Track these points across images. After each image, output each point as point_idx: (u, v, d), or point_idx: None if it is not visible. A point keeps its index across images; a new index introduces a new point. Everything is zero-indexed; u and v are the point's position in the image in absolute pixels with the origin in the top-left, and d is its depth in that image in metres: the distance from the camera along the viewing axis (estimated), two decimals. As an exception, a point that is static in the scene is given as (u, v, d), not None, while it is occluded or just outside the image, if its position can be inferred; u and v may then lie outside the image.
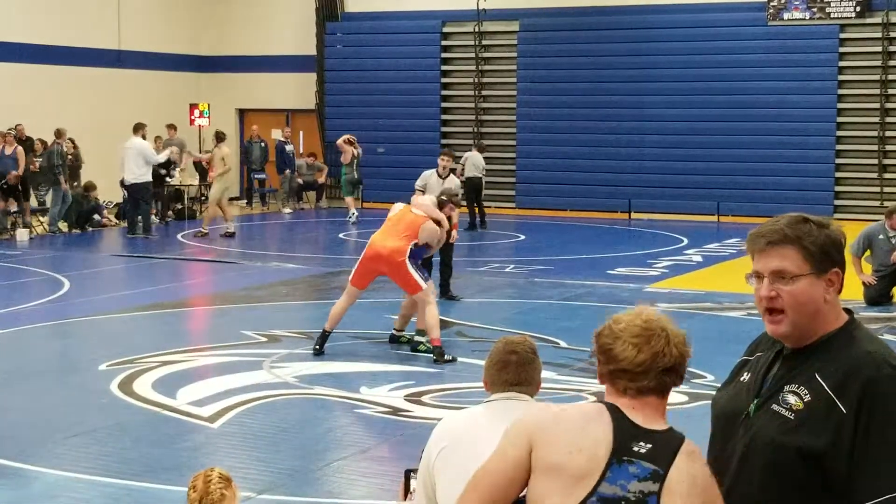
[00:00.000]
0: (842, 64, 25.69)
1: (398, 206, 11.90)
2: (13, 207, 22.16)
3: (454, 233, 14.09)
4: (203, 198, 25.89)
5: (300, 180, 28.59)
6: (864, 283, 14.48)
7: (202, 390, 10.01)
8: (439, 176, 15.22)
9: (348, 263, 17.97)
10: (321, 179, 28.73)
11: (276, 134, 28.89)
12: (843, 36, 25.65)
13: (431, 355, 11.23)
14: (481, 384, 4.47)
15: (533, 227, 24.63)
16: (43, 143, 23.38)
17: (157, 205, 24.88)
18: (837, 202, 25.55)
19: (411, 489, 4.40)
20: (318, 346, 11.32)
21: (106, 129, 26.52)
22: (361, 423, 9.33)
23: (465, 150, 25.44)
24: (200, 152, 27.20)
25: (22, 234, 21.56)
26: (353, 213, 25.28)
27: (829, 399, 2.95)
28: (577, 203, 27.06)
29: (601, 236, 23.23)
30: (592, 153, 27.24)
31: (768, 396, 3.06)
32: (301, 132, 30.89)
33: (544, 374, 4.45)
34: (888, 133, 25.35)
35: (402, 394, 10.05)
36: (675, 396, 9.92)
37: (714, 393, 3.33)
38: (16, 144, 22.28)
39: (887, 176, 25.35)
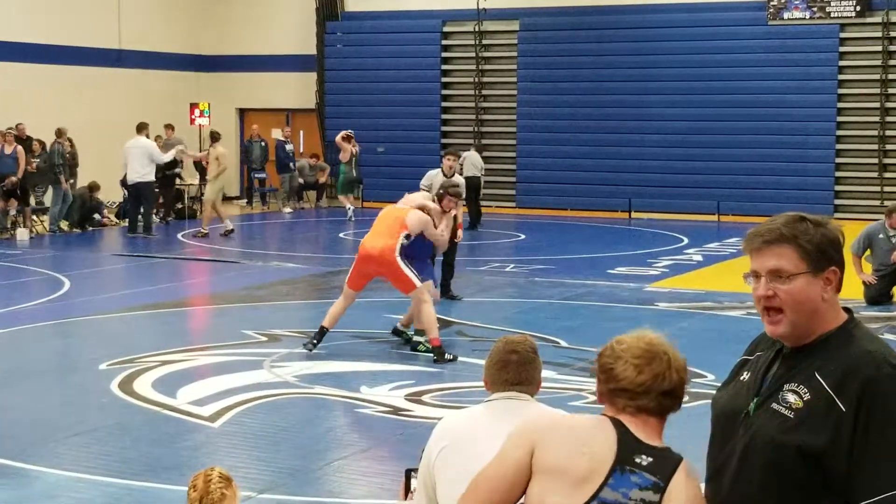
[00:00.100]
0: (842, 63, 25.69)
1: (386, 209, 11.90)
2: (13, 210, 22.13)
3: (459, 232, 14.08)
4: (203, 196, 25.88)
5: (301, 180, 28.59)
6: (864, 283, 14.48)
7: (202, 390, 10.01)
8: (445, 175, 15.21)
9: (348, 263, 17.91)
10: (323, 179, 28.72)
11: (277, 133, 28.89)
12: (843, 35, 25.65)
13: (431, 355, 11.21)
14: (482, 383, 4.47)
15: (533, 227, 24.63)
16: (41, 143, 23.37)
17: (162, 204, 24.95)
18: (837, 201, 25.55)
19: (412, 488, 4.40)
20: (315, 342, 11.23)
21: (106, 129, 26.51)
22: (362, 422, 9.33)
23: (465, 149, 25.42)
24: (200, 152, 27.18)
25: (22, 234, 21.56)
26: (350, 210, 25.39)
27: (829, 398, 2.95)
28: (577, 202, 27.06)
29: (601, 236, 23.23)
30: (593, 152, 27.24)
31: (768, 395, 3.06)
32: (301, 132, 30.89)
33: (544, 373, 4.45)
34: (888, 132, 25.35)
35: (403, 393, 10.05)
36: (676, 396, 9.94)
37: (714, 392, 3.33)
38: (15, 144, 22.28)
39: (887, 175, 25.35)
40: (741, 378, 3.19)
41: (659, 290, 15.71)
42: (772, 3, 25.85)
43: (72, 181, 23.53)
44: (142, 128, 22.58)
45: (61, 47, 26.66)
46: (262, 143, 28.65)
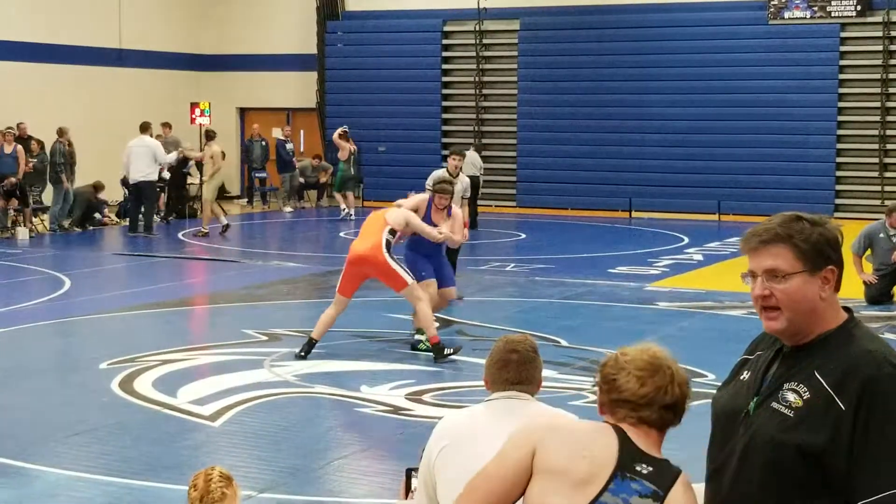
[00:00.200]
0: (842, 63, 25.70)
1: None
2: (12, 209, 22.12)
3: (465, 231, 14.10)
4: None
5: (302, 179, 28.59)
6: (864, 282, 14.48)
7: (203, 389, 10.01)
8: (450, 175, 15.22)
9: (349, 262, 17.98)
10: (324, 179, 28.73)
11: (277, 133, 28.89)
12: (843, 35, 25.65)
13: (432, 354, 11.21)
14: (482, 383, 4.47)
15: (534, 226, 24.64)
16: (39, 142, 23.36)
17: (175, 202, 25.01)
18: (838, 201, 25.55)
19: (412, 488, 4.40)
20: (302, 354, 11.18)
21: (106, 128, 26.53)
22: (362, 421, 9.33)
23: (465, 149, 25.41)
24: (199, 152, 27.20)
25: (22, 234, 21.56)
26: (344, 210, 25.58)
27: (829, 396, 2.95)
28: (577, 202, 27.06)
29: (602, 235, 23.23)
30: (593, 152, 27.25)
31: (768, 394, 3.07)
32: (302, 131, 30.90)
33: (545, 372, 4.45)
34: (889, 132, 25.35)
35: (403, 392, 10.05)
36: (676, 395, 9.93)
37: (714, 392, 3.33)
38: (15, 143, 22.29)
39: (888, 175, 25.35)
40: (741, 377, 3.20)
41: (659, 290, 15.70)
42: (772, 3, 25.85)
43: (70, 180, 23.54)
44: (146, 127, 22.62)
45: (62, 46, 26.66)
46: (263, 143, 28.65)
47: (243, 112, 31.62)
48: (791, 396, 3.01)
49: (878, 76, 25.38)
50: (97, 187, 23.70)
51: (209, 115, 28.22)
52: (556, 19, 27.71)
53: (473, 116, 28.72)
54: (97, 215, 23.84)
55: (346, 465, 8.17)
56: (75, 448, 8.39)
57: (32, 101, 25.34)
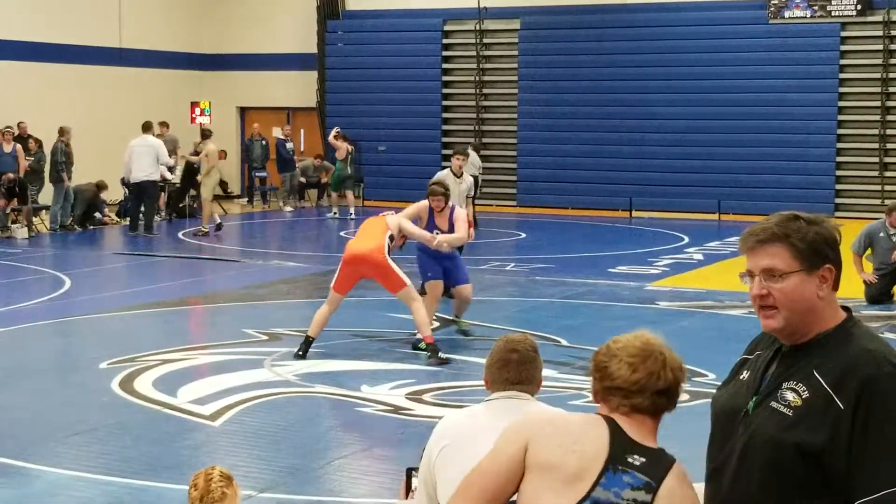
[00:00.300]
0: (843, 62, 25.70)
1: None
2: (10, 209, 22.12)
3: (471, 231, 14.11)
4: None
5: (303, 179, 28.60)
6: (864, 282, 14.48)
7: (203, 389, 10.01)
8: (454, 174, 15.23)
9: (349, 262, 17.99)
10: (325, 179, 28.75)
11: (277, 132, 28.90)
12: (844, 34, 25.65)
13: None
14: (482, 382, 4.47)
15: (534, 226, 24.64)
16: (37, 141, 23.37)
17: (171, 203, 25.05)
18: (838, 200, 25.55)
19: (413, 487, 4.40)
20: (301, 353, 11.20)
21: (107, 128, 26.54)
22: (362, 421, 9.33)
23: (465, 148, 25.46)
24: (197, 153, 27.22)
25: (19, 233, 21.56)
26: (333, 211, 25.74)
27: (828, 396, 2.95)
28: (578, 201, 27.06)
29: (602, 234, 23.23)
30: (593, 151, 27.25)
31: (767, 394, 3.07)
32: (302, 130, 30.91)
33: (545, 372, 4.45)
34: (889, 131, 25.35)
35: (403, 392, 10.05)
36: (676, 395, 9.92)
37: (714, 391, 3.33)
38: (14, 142, 22.31)
39: (888, 174, 25.35)
40: (741, 377, 3.20)
41: (660, 289, 15.71)
42: (772, 2, 25.85)
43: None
44: (148, 127, 22.65)
45: (62, 46, 26.67)
46: (263, 142, 28.66)
47: (243, 111, 31.63)
48: (790, 396, 3.01)
49: (878, 75, 25.38)
50: (100, 186, 23.73)
51: (209, 115, 28.27)
52: (557, 18, 27.71)
53: (473, 116, 28.72)
54: (97, 214, 23.85)
55: (347, 465, 8.17)
56: (75, 448, 8.39)
57: (32, 100, 25.35)
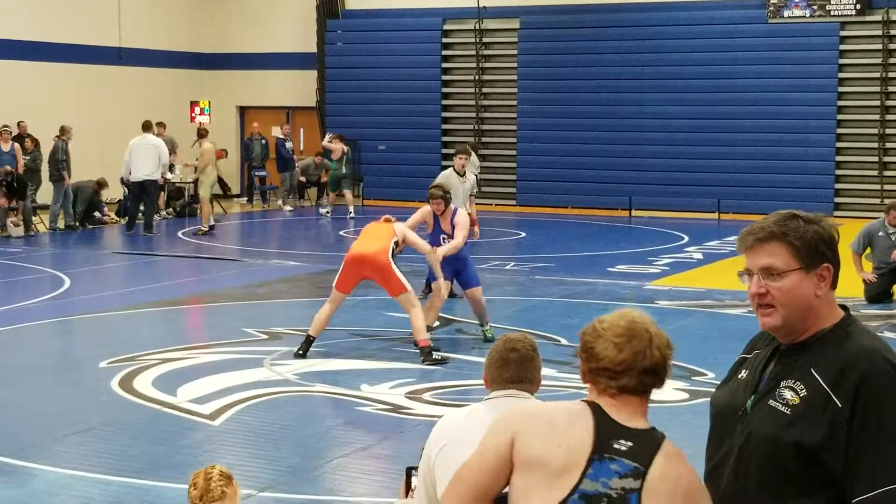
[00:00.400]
0: (842, 61, 25.70)
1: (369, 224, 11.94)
2: (8, 206, 22.13)
3: (476, 229, 14.13)
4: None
5: (303, 179, 28.59)
6: (864, 281, 14.48)
7: (203, 388, 10.01)
8: (457, 174, 15.25)
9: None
10: (325, 179, 28.77)
11: (276, 131, 28.90)
12: (843, 33, 25.66)
13: (436, 357, 11.17)
14: (482, 382, 4.48)
15: (534, 225, 24.64)
16: (34, 140, 23.38)
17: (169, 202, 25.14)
18: (838, 200, 25.56)
19: (413, 486, 4.40)
20: (301, 352, 11.21)
21: (106, 127, 26.55)
22: (362, 420, 9.33)
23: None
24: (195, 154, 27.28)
25: (16, 230, 21.58)
26: (325, 210, 25.91)
27: (825, 394, 2.97)
28: (577, 200, 27.07)
29: (602, 234, 23.24)
30: (593, 150, 27.26)
31: (765, 392, 3.08)
32: (302, 129, 30.92)
33: (545, 371, 4.46)
34: (888, 131, 25.36)
35: (403, 391, 10.06)
36: (676, 394, 9.96)
37: (713, 390, 3.34)
38: (13, 142, 22.33)
39: (888, 174, 25.36)
40: (739, 376, 3.21)
41: (659, 288, 15.71)
42: (772, 2, 25.86)
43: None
44: (148, 126, 22.66)
45: (62, 45, 26.67)
46: (263, 141, 28.67)
47: (243, 110, 31.63)
48: (788, 394, 3.03)
49: (877, 75, 25.39)
50: (100, 184, 23.77)
51: (209, 114, 28.28)
52: (556, 18, 27.71)
53: (473, 115, 28.72)
54: (97, 214, 23.87)
55: (347, 464, 8.17)
56: (75, 447, 8.40)
57: (32, 99, 25.35)
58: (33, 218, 22.44)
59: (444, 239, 12.21)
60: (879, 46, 25.34)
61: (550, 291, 15.44)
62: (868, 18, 25.49)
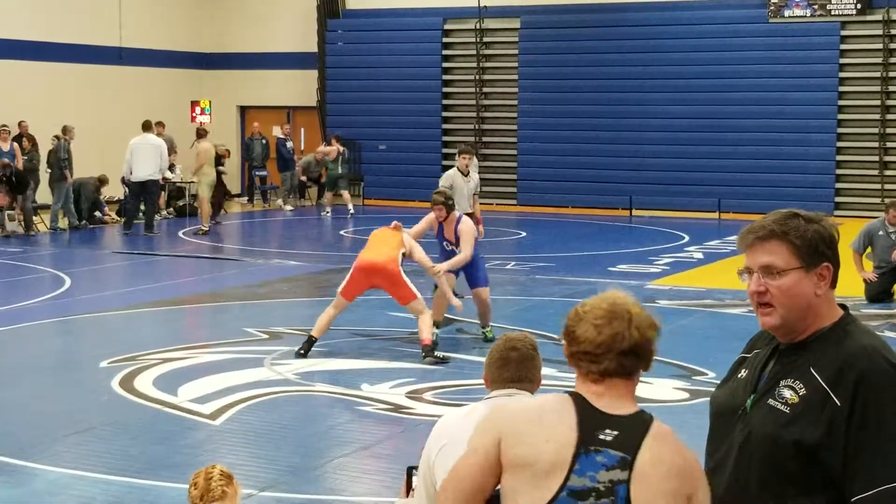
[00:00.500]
0: (843, 61, 25.70)
1: (376, 230, 11.90)
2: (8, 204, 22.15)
3: (480, 228, 14.15)
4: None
5: (304, 178, 28.59)
6: (864, 280, 14.48)
7: (203, 387, 10.02)
8: (461, 173, 15.26)
9: (350, 260, 17.98)
10: (324, 178, 28.78)
11: (276, 131, 28.91)
12: (843, 33, 25.66)
13: (436, 357, 11.19)
14: (482, 381, 4.48)
15: (534, 224, 24.64)
16: (30, 139, 23.38)
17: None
18: (838, 199, 25.56)
19: (413, 486, 4.40)
20: (302, 352, 11.21)
21: (107, 127, 26.55)
22: (363, 420, 9.33)
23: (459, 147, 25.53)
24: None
25: (12, 225, 21.61)
26: (325, 212, 25.92)
27: (824, 392, 2.97)
28: (578, 200, 27.07)
29: (602, 233, 23.24)
30: (593, 150, 27.26)
31: (764, 391, 3.08)
32: (302, 129, 30.92)
33: (545, 370, 4.46)
34: (889, 130, 25.36)
35: (404, 391, 10.06)
36: (677, 394, 9.96)
37: (713, 390, 3.34)
38: (12, 141, 22.36)
39: (888, 173, 25.35)
40: (739, 375, 3.22)
41: (660, 288, 15.71)
42: (772, 1, 25.86)
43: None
44: (148, 126, 22.68)
45: (62, 45, 26.68)
46: (264, 141, 28.67)
47: (244, 110, 31.63)
48: (787, 393, 3.03)
49: (878, 74, 25.39)
50: (102, 181, 23.83)
51: (210, 114, 28.28)
52: (557, 17, 27.71)
53: (474, 114, 28.72)
54: (97, 213, 23.88)
55: (347, 464, 8.18)
56: (76, 446, 8.40)
57: (32, 99, 25.36)
58: (34, 217, 22.46)
59: (446, 245, 12.21)
60: (880, 46, 25.33)
61: (551, 291, 15.44)
62: (868, 18, 25.48)
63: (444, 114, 29.00)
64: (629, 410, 2.96)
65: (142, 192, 22.31)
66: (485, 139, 28.34)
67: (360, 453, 8.43)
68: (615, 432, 2.91)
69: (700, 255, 19.31)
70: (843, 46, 25.68)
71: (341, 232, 23.15)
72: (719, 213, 26.00)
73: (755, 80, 25.82)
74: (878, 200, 24.24)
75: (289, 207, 27.64)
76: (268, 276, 16.84)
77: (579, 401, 2.98)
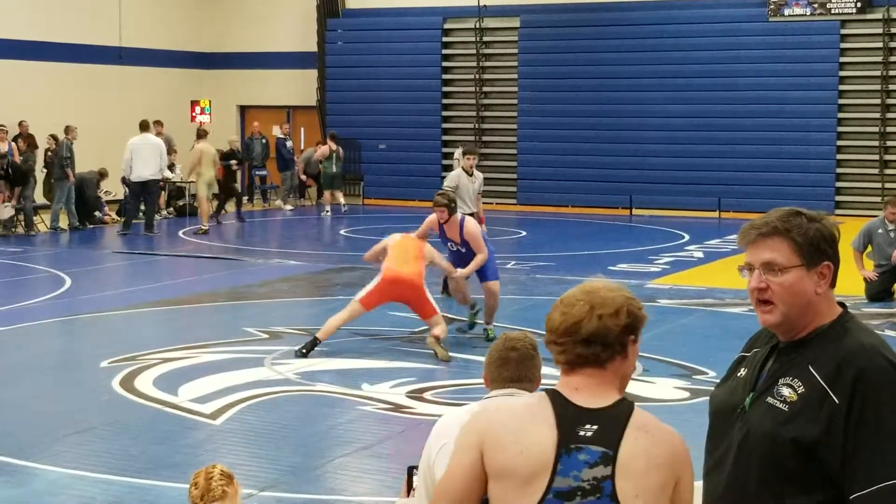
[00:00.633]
0: (843, 60, 25.71)
1: (396, 237, 11.89)
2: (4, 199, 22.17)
3: (483, 227, 14.15)
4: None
5: (303, 177, 28.59)
6: (865, 279, 14.48)
7: (204, 387, 10.01)
8: (466, 173, 15.27)
9: (350, 260, 18.00)
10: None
11: (276, 131, 28.90)
12: (843, 32, 25.66)
13: (440, 351, 11.23)
14: (482, 381, 4.48)
15: (534, 224, 24.64)
16: (26, 139, 23.37)
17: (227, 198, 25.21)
18: (838, 198, 25.56)
19: (414, 486, 4.40)
20: (304, 351, 11.20)
21: (107, 127, 26.54)
22: (363, 419, 9.33)
23: (456, 147, 25.56)
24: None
25: (5, 212, 21.63)
26: (327, 209, 25.97)
27: (822, 390, 2.97)
28: (578, 199, 27.08)
29: (602, 232, 23.24)
30: (593, 149, 27.26)
31: (763, 390, 3.09)
32: (302, 129, 30.92)
33: (545, 370, 4.45)
34: (889, 129, 25.36)
35: (404, 390, 10.06)
36: (677, 393, 9.96)
37: (713, 389, 3.34)
38: (9, 141, 22.37)
39: (888, 172, 25.36)
40: (738, 374, 3.22)
41: (660, 287, 15.71)
42: (772, 0, 25.85)
43: (52, 180, 23.57)
44: (146, 126, 22.66)
45: (62, 45, 26.68)
46: (264, 141, 28.67)
47: (244, 110, 31.64)
48: (786, 391, 3.03)
49: (878, 73, 25.39)
50: (102, 174, 23.91)
51: (210, 113, 28.28)
52: (556, 17, 27.72)
53: (474, 114, 28.72)
54: (97, 213, 23.89)
55: (348, 464, 8.17)
56: (76, 446, 8.40)
57: (33, 99, 25.36)
58: (34, 217, 22.46)
59: (451, 246, 12.24)
60: (880, 45, 25.33)
61: (551, 290, 15.42)
62: (868, 17, 25.49)
63: (444, 113, 29.00)
64: (607, 402, 2.90)
65: (142, 192, 22.33)
66: (484, 138, 28.34)
67: (360, 453, 8.43)
68: (595, 427, 2.85)
69: (700, 255, 19.31)
70: (843, 45, 25.69)
71: (341, 231, 23.15)
72: (719, 212, 26.00)
73: (755, 79, 25.83)
74: (878, 199, 24.21)
75: (289, 207, 27.65)
76: (268, 275, 16.84)
77: (556, 398, 2.92)
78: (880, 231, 14.64)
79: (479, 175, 15.68)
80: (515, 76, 28.13)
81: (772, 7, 25.89)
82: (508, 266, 17.88)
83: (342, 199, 26.39)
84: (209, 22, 30.91)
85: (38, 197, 23.45)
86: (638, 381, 9.97)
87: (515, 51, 28.18)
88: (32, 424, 9.07)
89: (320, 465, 8.13)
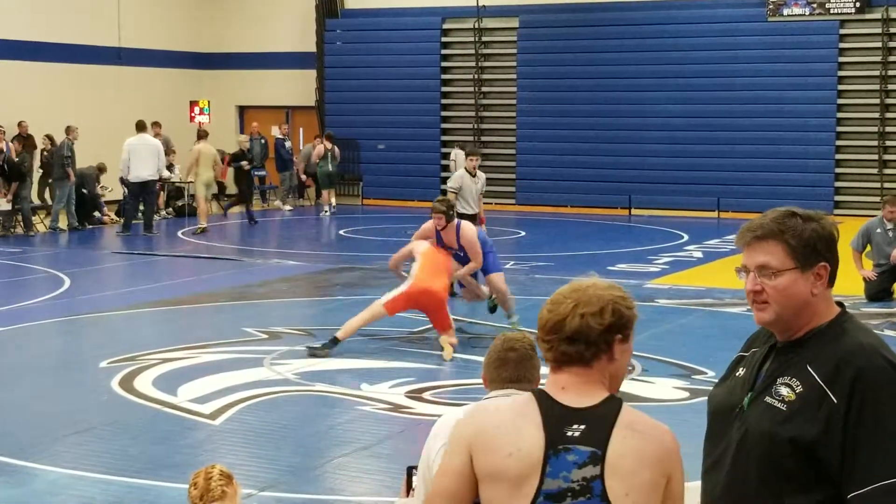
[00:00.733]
0: (842, 59, 25.71)
1: (424, 244, 11.91)
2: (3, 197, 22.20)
3: (483, 227, 14.21)
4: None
5: (303, 176, 28.58)
6: (864, 279, 14.48)
7: (203, 387, 10.02)
8: (469, 174, 15.27)
9: (349, 260, 18.02)
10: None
11: (275, 131, 28.90)
12: (842, 31, 25.66)
13: (448, 349, 11.29)
14: (481, 381, 4.48)
15: (533, 224, 24.64)
16: (22, 141, 23.38)
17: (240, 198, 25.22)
18: (837, 198, 25.57)
19: (414, 486, 4.40)
20: (325, 351, 11.21)
21: (106, 127, 26.53)
22: (362, 419, 9.33)
23: (452, 147, 25.64)
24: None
25: (3, 204, 21.70)
26: (326, 209, 26.08)
27: (821, 389, 2.97)
28: (577, 199, 27.08)
29: (602, 232, 23.24)
30: (593, 149, 27.26)
31: (762, 389, 3.09)
32: (301, 129, 30.92)
33: (544, 370, 4.46)
34: (888, 129, 25.37)
35: (403, 390, 10.06)
36: (676, 393, 9.96)
37: (712, 389, 3.35)
38: (6, 141, 22.38)
39: (887, 171, 25.37)
40: (737, 374, 3.22)
41: (659, 287, 15.72)
42: (771, 0, 25.86)
43: (50, 180, 23.59)
44: (143, 126, 22.66)
45: (61, 45, 26.68)
46: (263, 141, 28.66)
47: (243, 110, 31.64)
48: (784, 390, 3.03)
49: (877, 73, 25.39)
50: (101, 169, 23.94)
51: (209, 114, 28.28)
52: (555, 17, 27.72)
53: (473, 114, 28.72)
54: (96, 214, 23.89)
55: (347, 464, 8.18)
56: (76, 446, 8.40)
57: (32, 99, 25.35)
58: (33, 217, 22.46)
59: (448, 250, 12.26)
60: (879, 45, 25.34)
61: (550, 290, 15.16)
62: (867, 16, 25.49)
63: (443, 113, 29.01)
64: (594, 400, 2.86)
65: (141, 192, 22.33)
66: (483, 138, 28.35)
67: (359, 453, 8.43)
68: (582, 426, 2.82)
69: (699, 254, 19.31)
70: (842, 45, 25.69)
71: (341, 231, 23.15)
72: (718, 212, 26.00)
73: (754, 79, 25.83)
74: (877, 199, 24.20)
75: (288, 207, 27.65)
76: (267, 275, 16.85)
77: (542, 398, 2.90)
78: (879, 231, 14.64)
79: (482, 175, 15.72)
80: (514, 76, 28.13)
81: (771, 7, 25.89)
82: (508, 266, 17.86)
83: (333, 200, 26.41)
84: (208, 22, 30.92)
85: (35, 198, 23.44)
86: (637, 381, 9.98)
87: (514, 51, 28.19)
88: (32, 424, 9.07)
89: (320, 465, 8.13)
